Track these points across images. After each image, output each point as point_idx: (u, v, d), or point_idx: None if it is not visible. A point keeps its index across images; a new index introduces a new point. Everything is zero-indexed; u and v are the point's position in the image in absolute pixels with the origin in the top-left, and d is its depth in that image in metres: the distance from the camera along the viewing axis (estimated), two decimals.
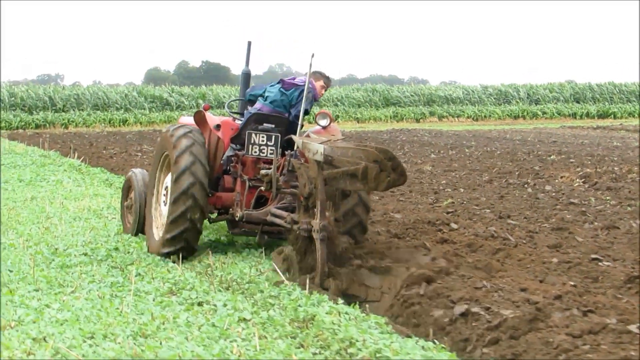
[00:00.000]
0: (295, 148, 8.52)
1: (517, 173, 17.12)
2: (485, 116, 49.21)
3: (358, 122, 46.62)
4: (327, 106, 48.45)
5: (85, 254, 8.65)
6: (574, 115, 50.62)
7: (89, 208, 12.10)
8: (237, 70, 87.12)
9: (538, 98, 53.00)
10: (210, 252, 8.69)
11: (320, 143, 7.37)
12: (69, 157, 20.17)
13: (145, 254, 8.69)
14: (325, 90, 9.60)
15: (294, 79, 9.40)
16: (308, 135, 8.45)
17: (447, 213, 11.58)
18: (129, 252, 8.77)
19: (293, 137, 8.40)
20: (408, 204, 12.49)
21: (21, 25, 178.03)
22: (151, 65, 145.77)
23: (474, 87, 53.51)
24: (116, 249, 8.89)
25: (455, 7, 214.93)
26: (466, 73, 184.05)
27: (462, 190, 14.40)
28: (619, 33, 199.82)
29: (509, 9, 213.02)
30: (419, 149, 25.68)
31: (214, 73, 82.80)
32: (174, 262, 8.32)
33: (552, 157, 21.71)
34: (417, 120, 47.69)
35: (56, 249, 8.88)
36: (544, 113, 50.31)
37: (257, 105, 9.29)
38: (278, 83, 9.34)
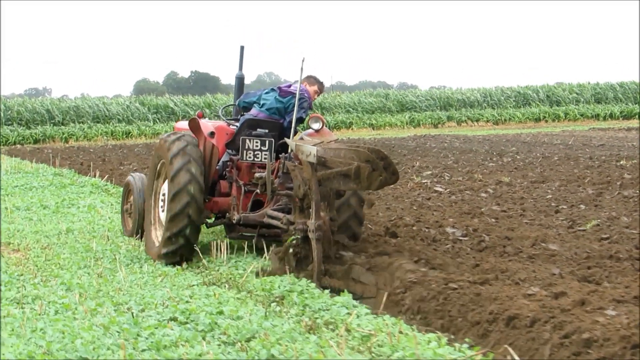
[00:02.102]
0: (289, 151, 8.59)
1: (618, 183, 14.68)
2: (505, 120, 46.61)
3: (373, 128, 44.00)
4: (339, 113, 45.91)
5: (176, 320, 6.11)
6: (597, 117, 48.06)
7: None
8: (226, 79, 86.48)
9: (558, 99, 50.48)
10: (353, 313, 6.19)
11: (314, 145, 7.43)
12: (90, 176, 17.51)
13: (265, 318, 6.12)
14: (318, 95, 9.60)
15: (289, 86, 9.31)
16: (302, 139, 8.53)
17: (604, 239, 9.09)
18: (239, 317, 6.19)
19: (287, 140, 8.61)
20: (542, 229, 9.95)
21: (6, 39, 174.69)
22: (140, 76, 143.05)
23: (491, 89, 51.01)
24: (220, 312, 6.30)
25: (441, 11, 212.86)
26: (455, 77, 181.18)
27: (582, 207, 11.89)
28: (612, 32, 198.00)
29: (496, 11, 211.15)
30: (462, 156, 23.31)
31: (203, 83, 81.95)
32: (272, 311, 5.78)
33: (621, 162, 19.43)
34: (435, 126, 45.12)
35: (131, 312, 6.32)
36: (567, 115, 47.80)
37: (253, 111, 9.29)
38: (273, 90, 9.32)
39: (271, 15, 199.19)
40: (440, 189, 14.67)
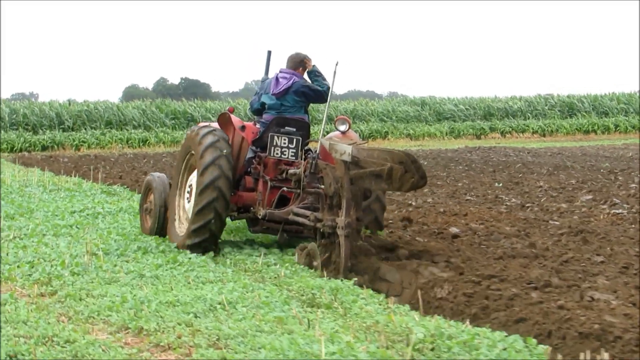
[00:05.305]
0: (317, 150, 8.90)
1: None
2: (552, 131, 42.86)
3: (411, 138, 40.10)
4: (373, 121, 42.05)
5: None
6: None
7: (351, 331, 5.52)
8: (216, 87, 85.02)
9: (605, 110, 46.83)
10: None
11: (349, 144, 7.59)
12: None
13: None
14: (306, 64, 9.56)
15: (277, 80, 9.33)
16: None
17: None
18: None
19: (321, 140, 8.74)
20: None
21: None
22: (129, 82, 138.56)
23: (530, 97, 47.31)
24: None
25: (429, 22, 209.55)
26: (445, 86, 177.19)
27: None
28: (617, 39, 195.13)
29: (483, 23, 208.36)
30: (566, 173, 19.67)
31: (193, 90, 79.55)
32: None
33: None
34: (478, 137, 41.24)
35: None
36: (617, 127, 44.11)
37: (267, 117, 9.37)
38: (267, 95, 9.36)
39: (262, 24, 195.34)
40: None
